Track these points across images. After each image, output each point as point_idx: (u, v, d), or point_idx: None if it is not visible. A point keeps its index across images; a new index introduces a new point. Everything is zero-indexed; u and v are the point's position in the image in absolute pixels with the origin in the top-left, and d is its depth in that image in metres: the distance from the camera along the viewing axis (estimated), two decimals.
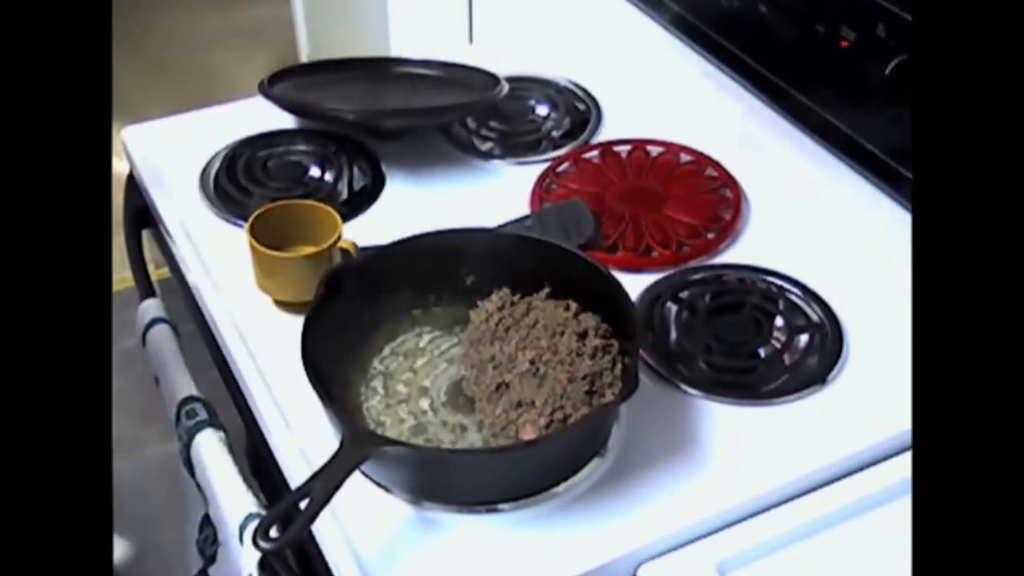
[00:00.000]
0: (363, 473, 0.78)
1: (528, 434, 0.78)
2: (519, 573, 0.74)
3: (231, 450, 0.88)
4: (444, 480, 0.77)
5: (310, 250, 0.91)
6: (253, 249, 0.91)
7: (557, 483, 0.78)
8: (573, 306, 0.85)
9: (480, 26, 1.74)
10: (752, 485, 0.79)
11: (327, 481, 0.70)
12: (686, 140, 1.13)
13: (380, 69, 1.25)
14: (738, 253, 1.00)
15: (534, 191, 1.07)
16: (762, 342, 0.90)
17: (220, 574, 0.92)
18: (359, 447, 0.72)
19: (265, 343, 0.90)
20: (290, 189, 1.07)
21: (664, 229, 1.01)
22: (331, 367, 0.82)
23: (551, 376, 0.79)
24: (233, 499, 0.83)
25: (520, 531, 0.76)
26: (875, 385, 0.86)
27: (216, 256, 1.00)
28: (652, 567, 0.75)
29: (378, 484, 0.78)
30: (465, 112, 1.17)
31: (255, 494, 0.83)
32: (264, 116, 1.15)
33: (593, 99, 1.22)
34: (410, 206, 1.06)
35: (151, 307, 1.03)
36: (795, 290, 0.94)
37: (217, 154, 1.12)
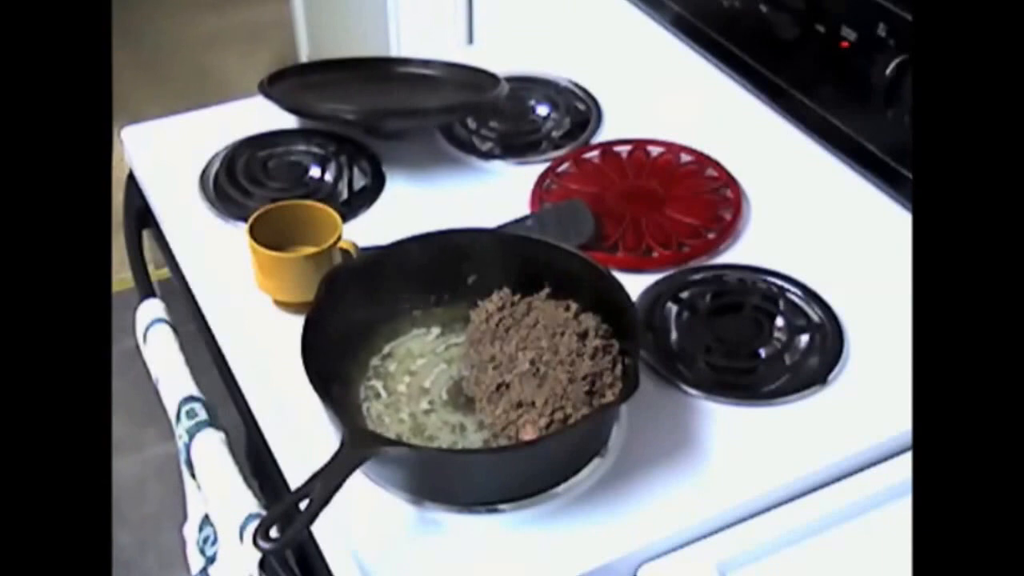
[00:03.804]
0: (363, 473, 0.78)
1: (528, 434, 0.78)
2: (519, 573, 0.74)
3: (231, 450, 0.88)
4: (444, 480, 0.77)
5: (310, 250, 0.91)
6: (253, 249, 0.91)
7: (557, 483, 0.78)
8: (573, 306, 0.85)
9: (480, 26, 1.74)
10: (752, 485, 0.79)
11: (327, 481, 0.70)
12: (686, 140, 1.13)
13: (380, 69, 1.25)
14: (738, 253, 1.00)
15: (534, 191, 1.07)
16: (763, 342, 0.89)
17: (220, 574, 0.92)
18: (359, 447, 0.72)
19: (265, 343, 0.90)
20: (290, 189, 1.07)
21: (664, 229, 1.01)
22: (331, 367, 0.82)
23: (551, 376, 0.79)
24: (233, 499, 0.83)
25: (520, 531, 0.76)
26: (875, 385, 0.86)
27: (216, 256, 1.00)
28: (652, 567, 0.75)
29: (378, 484, 0.78)
30: (465, 112, 1.17)
31: (255, 494, 0.83)
32: (264, 116, 1.15)
33: (593, 99, 1.22)
34: (410, 206, 1.06)
35: (151, 307, 1.03)
36: (795, 290, 0.94)
37: (217, 154, 1.12)
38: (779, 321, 0.91)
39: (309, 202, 0.97)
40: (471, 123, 1.17)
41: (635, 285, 0.92)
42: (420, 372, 0.86)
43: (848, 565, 0.75)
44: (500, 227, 0.99)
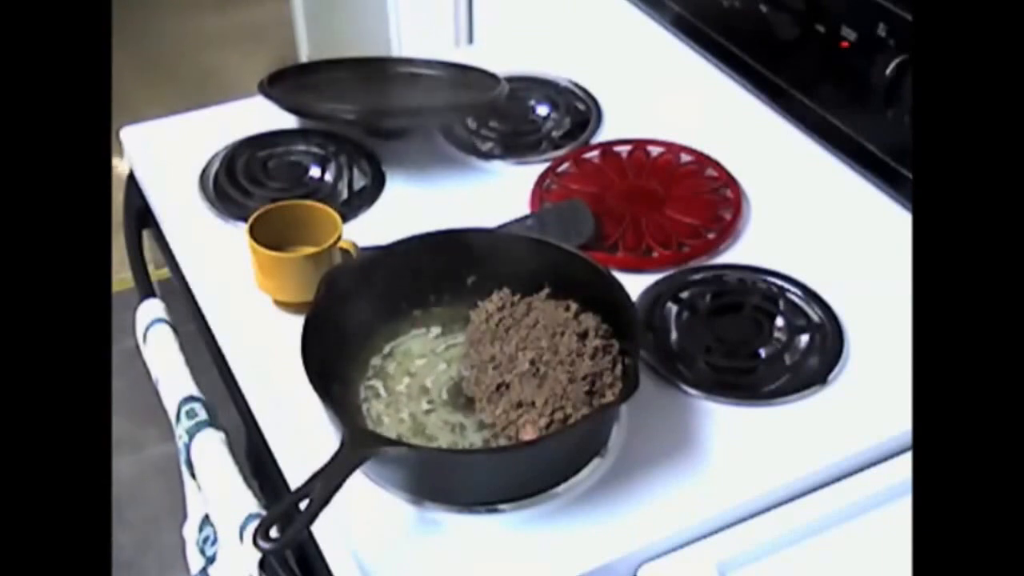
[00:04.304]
0: (363, 473, 0.78)
1: (528, 434, 0.78)
2: (519, 573, 0.74)
3: (231, 450, 0.88)
4: (444, 480, 0.77)
5: (310, 250, 0.91)
6: (253, 249, 0.91)
7: (557, 483, 0.78)
8: (573, 306, 0.85)
9: (480, 26, 1.74)
10: (752, 485, 0.79)
11: (327, 481, 0.70)
12: (686, 140, 1.13)
13: (380, 69, 1.25)
14: (738, 253, 1.00)
15: (534, 191, 1.07)
16: (763, 342, 0.89)
17: (220, 574, 0.92)
18: (359, 447, 0.72)
19: (265, 343, 0.90)
20: (290, 189, 1.07)
21: (664, 229, 1.01)
22: (331, 367, 0.82)
23: (551, 376, 0.79)
24: (233, 499, 0.83)
25: (520, 531, 0.76)
26: (875, 385, 0.86)
27: (216, 256, 1.00)
28: (652, 567, 0.75)
29: (378, 484, 0.78)
30: (465, 112, 1.17)
31: (255, 494, 0.83)
32: (264, 116, 1.15)
33: (593, 99, 1.22)
34: (410, 206, 1.06)
35: (151, 307, 1.03)
36: (795, 290, 0.94)
37: (217, 154, 1.12)
38: (779, 321, 0.91)
39: (309, 202, 0.97)
40: (471, 123, 1.17)
41: (635, 285, 0.92)
42: (420, 372, 0.86)
43: (848, 565, 0.75)
44: (500, 227, 0.99)
